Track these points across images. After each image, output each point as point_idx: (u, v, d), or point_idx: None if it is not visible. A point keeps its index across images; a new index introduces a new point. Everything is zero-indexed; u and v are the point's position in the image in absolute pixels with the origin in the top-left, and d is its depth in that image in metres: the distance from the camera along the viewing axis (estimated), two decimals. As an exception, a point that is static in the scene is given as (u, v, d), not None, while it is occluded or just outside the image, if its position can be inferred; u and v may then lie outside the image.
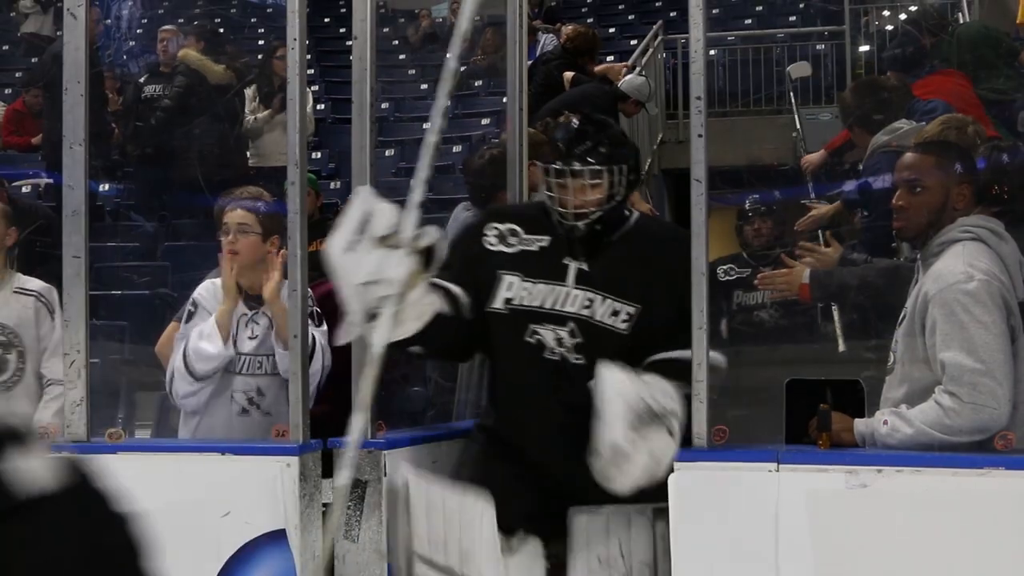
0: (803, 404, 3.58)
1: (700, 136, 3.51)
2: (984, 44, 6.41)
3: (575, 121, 3.55)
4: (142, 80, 8.21)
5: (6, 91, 10.41)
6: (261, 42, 10.99)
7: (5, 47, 12.31)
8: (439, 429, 4.31)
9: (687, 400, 3.31)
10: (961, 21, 8.69)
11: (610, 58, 11.11)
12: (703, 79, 3.54)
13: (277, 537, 3.61)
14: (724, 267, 5.57)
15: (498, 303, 3.55)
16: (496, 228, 3.62)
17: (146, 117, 7.92)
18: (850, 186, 4.98)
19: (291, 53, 3.77)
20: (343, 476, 2.92)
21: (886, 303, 3.81)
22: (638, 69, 9.54)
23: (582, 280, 3.51)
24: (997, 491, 3.21)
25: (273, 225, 4.35)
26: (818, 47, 11.93)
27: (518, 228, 3.60)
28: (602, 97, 8.02)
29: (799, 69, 8.28)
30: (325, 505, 3.70)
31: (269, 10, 12.30)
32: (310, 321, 4.14)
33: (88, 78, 3.78)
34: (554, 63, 8.75)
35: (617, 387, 3.17)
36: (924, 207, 3.55)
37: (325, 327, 4.21)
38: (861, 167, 4.93)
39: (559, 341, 3.49)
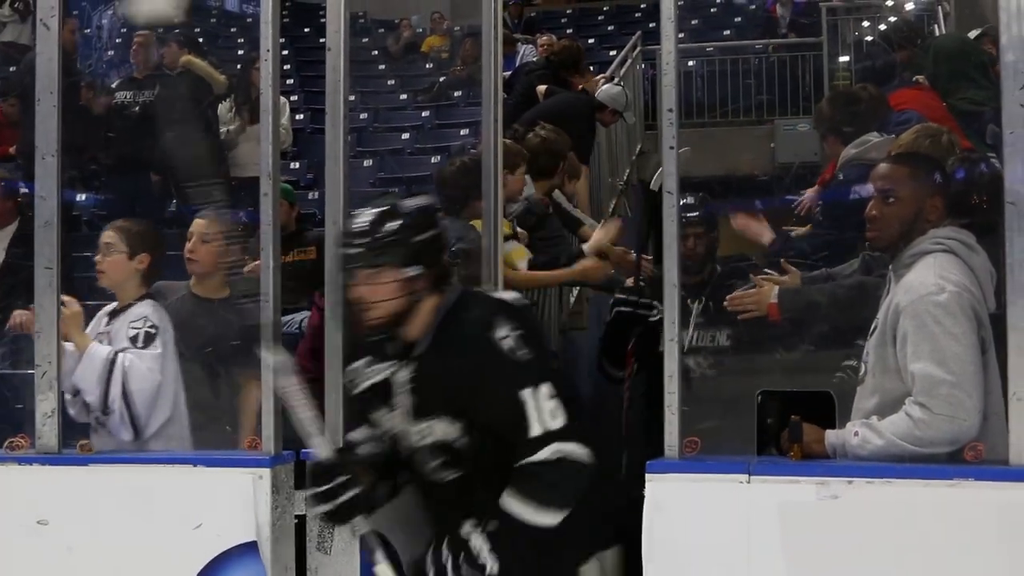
0: (775, 415, 3.59)
1: (672, 148, 3.52)
2: (960, 56, 6.43)
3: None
4: (113, 86, 8.18)
5: (-17, 100, 10.35)
6: (240, 52, 10.98)
7: (-17, 56, 12.26)
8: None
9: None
10: (937, 33, 8.73)
11: (591, 68, 11.13)
12: (675, 91, 3.55)
13: (249, 549, 3.60)
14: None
15: None
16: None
17: (116, 125, 7.88)
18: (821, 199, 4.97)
19: (264, 64, 3.77)
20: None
21: (855, 318, 3.81)
22: (616, 79, 9.54)
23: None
24: (967, 502, 3.23)
25: (140, 243, 4.42)
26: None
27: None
28: (579, 107, 8.03)
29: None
30: (298, 517, 3.70)
31: (248, 20, 12.28)
32: (128, 344, 4.19)
33: (61, 88, 3.78)
34: (536, 74, 8.76)
35: None
36: (897, 218, 3.56)
37: (155, 351, 4.23)
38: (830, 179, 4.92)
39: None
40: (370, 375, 3.35)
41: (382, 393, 3.34)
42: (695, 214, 4.72)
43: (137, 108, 7.91)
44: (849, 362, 4.00)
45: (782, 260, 4.45)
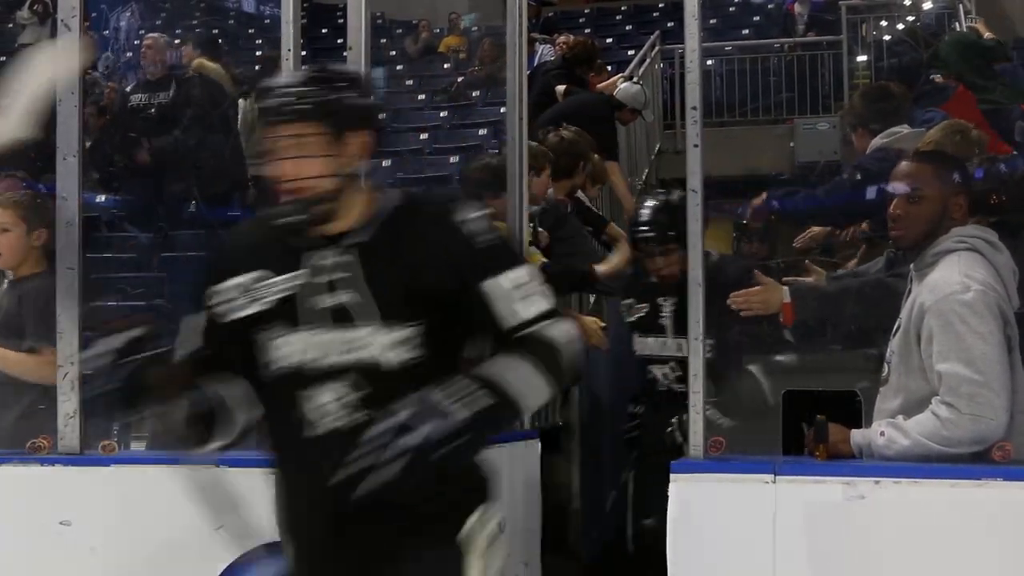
0: (800, 415, 3.57)
1: (696, 146, 3.50)
2: (963, 60, 6.43)
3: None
4: (128, 89, 8.21)
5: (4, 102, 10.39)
6: (259, 53, 11.02)
7: (2, 59, 12.31)
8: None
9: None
10: (958, 29, 8.72)
11: (609, 67, 11.13)
12: (699, 89, 3.53)
13: (273, 549, 3.59)
14: (626, 303, 4.87)
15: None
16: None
17: (134, 127, 7.91)
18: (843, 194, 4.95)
19: (285, 64, 3.76)
20: None
21: (874, 318, 3.79)
22: (635, 78, 9.54)
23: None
24: (995, 502, 3.20)
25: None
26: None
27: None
28: (599, 106, 8.03)
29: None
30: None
31: (267, 21, 12.33)
32: None
33: (82, 89, 3.77)
34: (553, 73, 8.77)
35: None
36: (922, 216, 3.52)
37: None
38: (855, 165, 4.90)
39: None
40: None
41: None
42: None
43: (153, 111, 7.93)
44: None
45: (806, 260, 4.43)
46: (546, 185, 5.67)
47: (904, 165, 3.65)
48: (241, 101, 8.29)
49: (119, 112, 8.15)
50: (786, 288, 3.99)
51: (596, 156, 6.73)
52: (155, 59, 8.18)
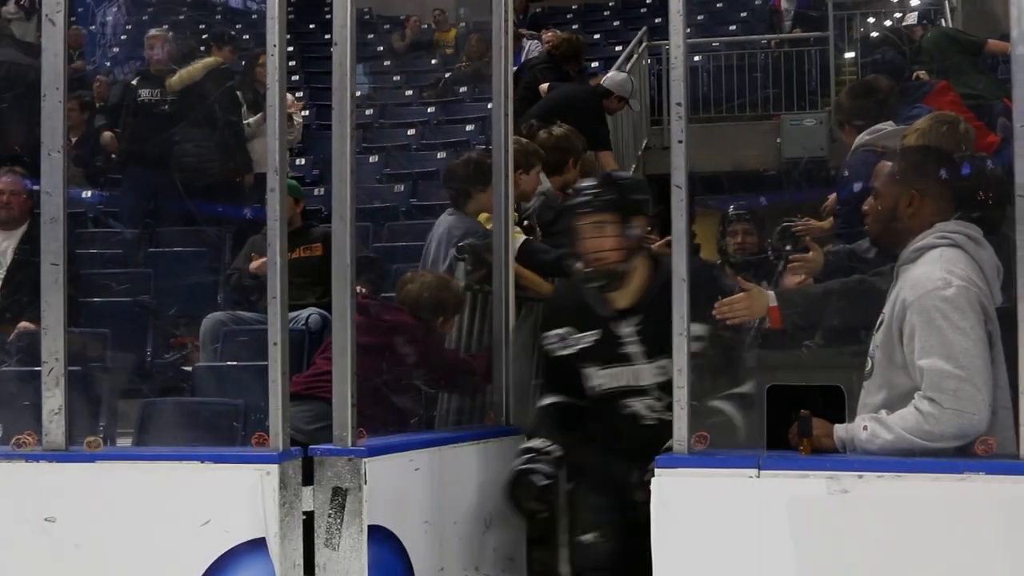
0: (784, 410, 3.58)
1: (680, 142, 3.50)
2: (948, 51, 6.44)
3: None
4: (134, 83, 8.15)
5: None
6: (245, 49, 10.99)
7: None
8: (420, 437, 4.30)
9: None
10: (943, 25, 8.75)
11: (595, 64, 11.14)
12: (683, 85, 3.53)
13: (257, 545, 3.59)
14: (555, 333, 5.13)
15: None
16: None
17: (141, 121, 7.88)
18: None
19: (271, 59, 3.74)
20: None
21: (858, 316, 3.80)
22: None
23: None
24: (978, 496, 3.21)
25: None
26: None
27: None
28: (586, 97, 8.04)
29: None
30: (306, 513, 3.68)
31: (254, 16, 12.30)
32: None
33: (66, 84, 3.76)
34: (540, 68, 8.77)
35: None
36: (879, 213, 3.60)
37: None
38: (843, 166, 4.93)
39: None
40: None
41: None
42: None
43: (166, 107, 7.91)
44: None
45: (807, 239, 4.46)
46: (536, 182, 5.68)
47: (880, 163, 3.70)
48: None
49: (128, 105, 8.10)
50: (771, 293, 3.99)
51: (587, 152, 6.76)
52: (163, 53, 8.16)
